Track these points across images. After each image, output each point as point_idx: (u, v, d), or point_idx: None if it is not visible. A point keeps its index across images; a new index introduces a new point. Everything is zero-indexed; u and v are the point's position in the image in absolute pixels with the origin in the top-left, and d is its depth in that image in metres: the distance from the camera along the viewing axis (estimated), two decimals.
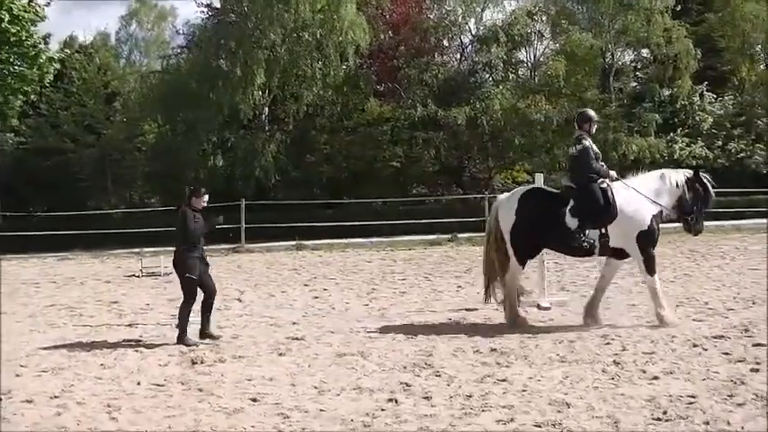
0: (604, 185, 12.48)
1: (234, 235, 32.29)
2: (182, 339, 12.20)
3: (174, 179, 42.96)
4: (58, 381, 10.05)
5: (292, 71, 42.46)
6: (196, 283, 12.41)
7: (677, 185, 12.71)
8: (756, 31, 45.59)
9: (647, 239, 12.42)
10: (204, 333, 12.52)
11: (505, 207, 13.09)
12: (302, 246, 31.60)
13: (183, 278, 12.43)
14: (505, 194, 13.68)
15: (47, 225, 38.24)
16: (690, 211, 12.74)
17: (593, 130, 13.15)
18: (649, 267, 12.47)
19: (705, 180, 12.86)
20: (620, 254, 12.71)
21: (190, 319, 12.45)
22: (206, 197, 12.82)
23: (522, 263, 13.06)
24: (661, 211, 12.59)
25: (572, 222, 12.45)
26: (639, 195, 12.53)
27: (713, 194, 12.95)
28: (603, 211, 12.34)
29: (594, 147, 12.94)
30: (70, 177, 46.30)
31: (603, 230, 12.40)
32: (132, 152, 49.55)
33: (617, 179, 12.78)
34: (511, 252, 13.00)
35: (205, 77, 41.46)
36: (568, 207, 12.52)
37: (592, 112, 13.39)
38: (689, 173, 12.95)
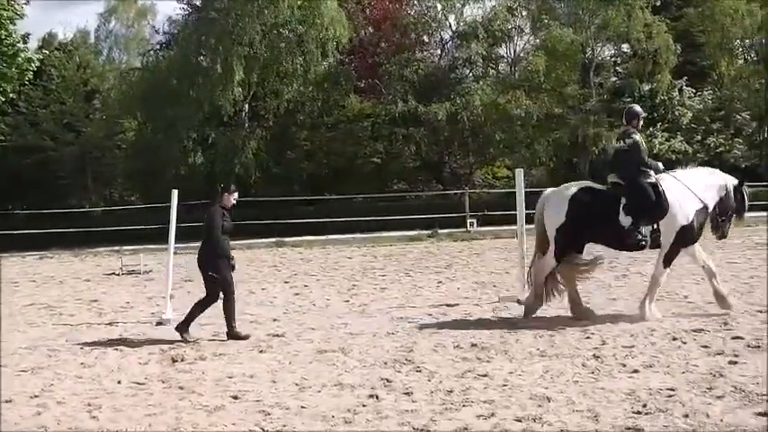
0: (653, 180, 12.52)
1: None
2: (182, 330, 12.10)
3: (154, 177, 42.77)
4: (38, 380, 10.00)
5: (273, 67, 42.44)
6: (219, 283, 12.23)
7: (726, 186, 12.86)
8: (735, 26, 45.76)
9: (685, 235, 12.48)
10: (232, 334, 12.20)
11: (554, 207, 12.98)
12: (282, 242, 31.58)
13: (207, 276, 12.29)
14: (551, 192, 13.48)
15: (27, 223, 38.11)
16: (723, 214, 12.86)
17: (641, 126, 13.22)
18: (668, 260, 12.65)
19: (745, 193, 13.07)
20: None
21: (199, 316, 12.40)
22: (236, 195, 12.73)
23: (559, 260, 12.96)
24: (705, 207, 12.61)
25: (626, 221, 12.44)
26: (686, 189, 12.55)
27: (747, 208, 13.22)
28: (656, 206, 12.36)
29: (643, 142, 13.05)
30: (50, 175, 46.19)
31: (655, 226, 12.47)
32: (112, 150, 49.46)
33: (664, 171, 12.81)
34: (551, 248, 12.94)
35: (185, 74, 41.40)
36: (621, 205, 12.50)
37: (639, 108, 13.47)
38: (734, 180, 13.07)
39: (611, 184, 13.03)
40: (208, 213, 12.46)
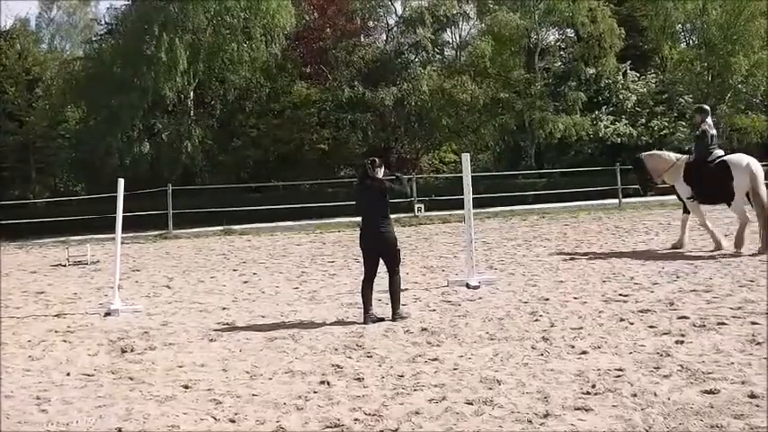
0: None
1: (161, 221, 32.08)
2: (396, 315, 11.82)
3: (98, 166, 42.27)
4: None
5: (218, 55, 42.16)
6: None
7: None
8: (677, 10, 46.31)
9: None
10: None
11: None
12: (230, 230, 31.42)
13: (395, 252, 12.09)
14: None
15: None
16: None
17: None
18: None
19: None
20: None
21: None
22: (383, 166, 12.54)
23: None
24: None
25: None
26: None
27: None
28: None
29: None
30: None
31: None
32: (56, 139, 48.88)
33: None
34: None
35: (129, 62, 40.98)
36: None
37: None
38: None
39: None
40: (375, 186, 12.24)
